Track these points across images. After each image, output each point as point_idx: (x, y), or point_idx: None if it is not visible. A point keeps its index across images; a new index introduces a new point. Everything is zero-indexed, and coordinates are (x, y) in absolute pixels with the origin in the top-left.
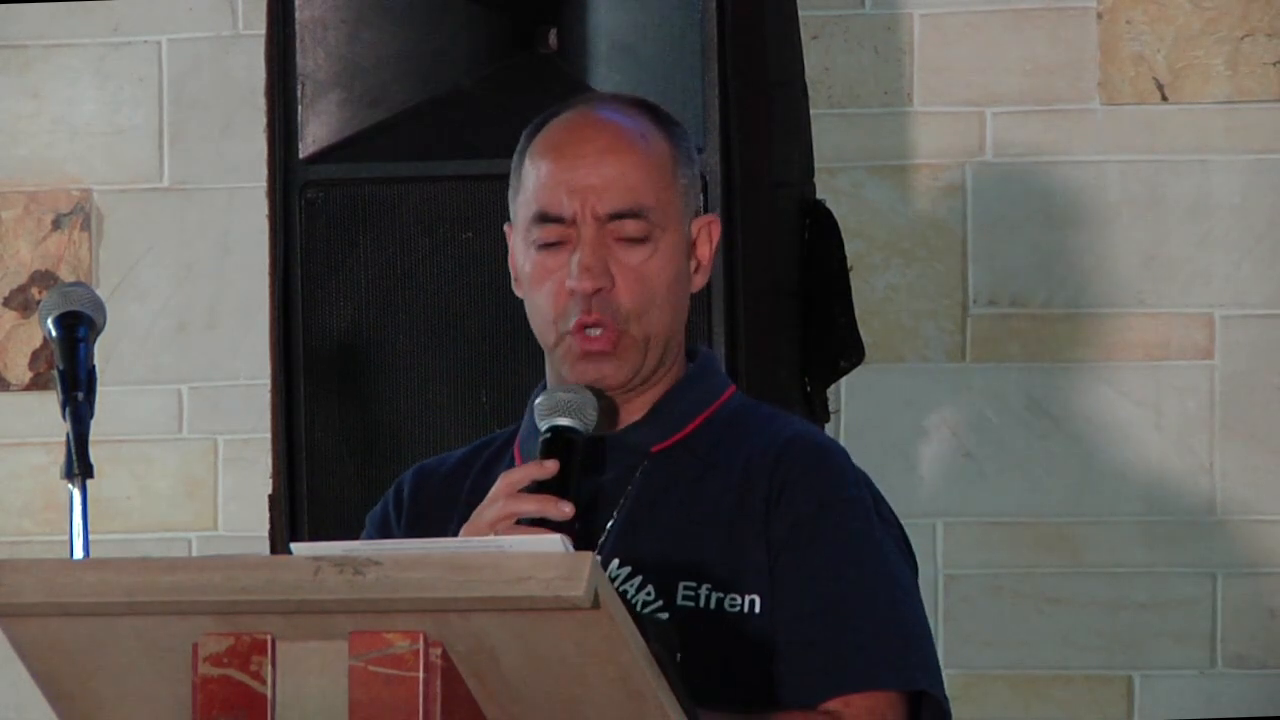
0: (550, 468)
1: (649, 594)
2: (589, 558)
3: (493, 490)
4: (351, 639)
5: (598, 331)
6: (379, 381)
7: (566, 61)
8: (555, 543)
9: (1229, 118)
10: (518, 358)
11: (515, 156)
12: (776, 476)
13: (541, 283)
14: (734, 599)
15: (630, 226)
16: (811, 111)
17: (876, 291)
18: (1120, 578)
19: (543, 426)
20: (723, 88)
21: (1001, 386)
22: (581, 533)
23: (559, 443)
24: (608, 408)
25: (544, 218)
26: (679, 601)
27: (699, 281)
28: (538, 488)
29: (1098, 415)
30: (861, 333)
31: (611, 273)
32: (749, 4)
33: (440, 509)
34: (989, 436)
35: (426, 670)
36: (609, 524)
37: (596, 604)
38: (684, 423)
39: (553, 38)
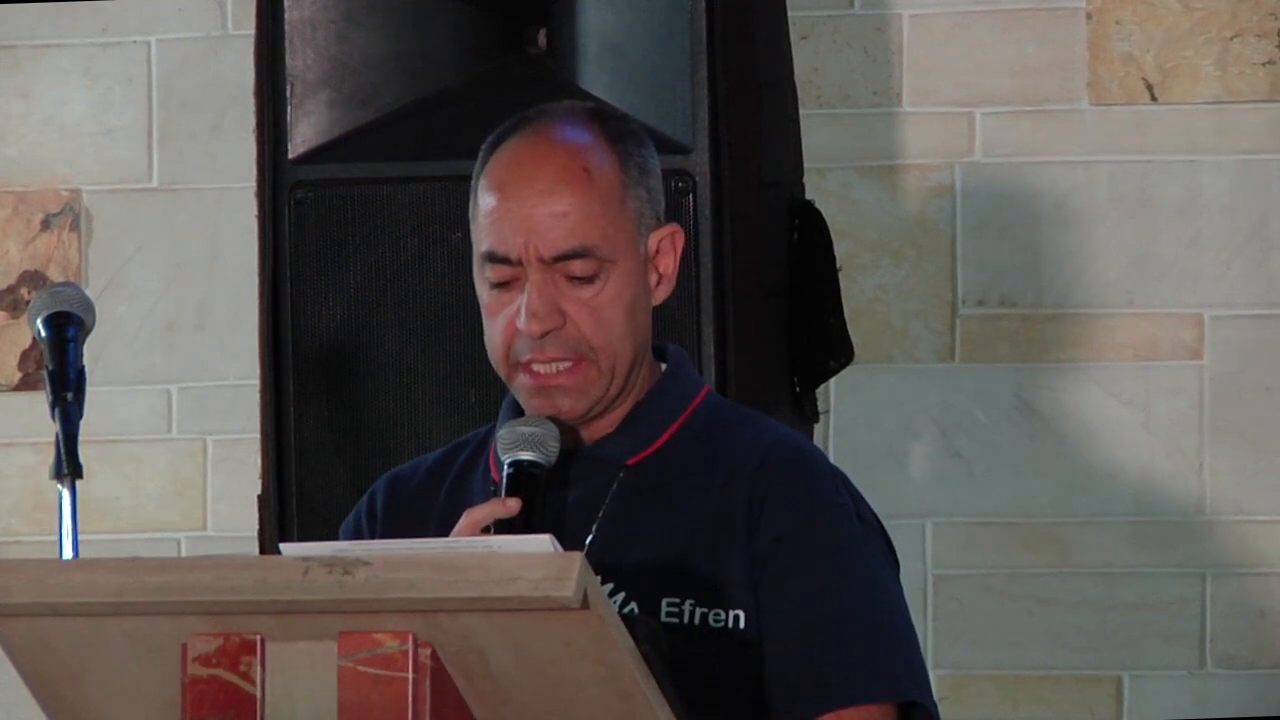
0: (512, 506)
1: (632, 611)
2: (578, 558)
3: (457, 526)
4: (340, 639)
5: (554, 366)
6: (368, 381)
7: (556, 62)
8: (544, 543)
9: (1218, 118)
10: None
11: (474, 172)
12: (757, 488)
13: (494, 317)
14: (718, 614)
15: (577, 266)
16: (801, 112)
17: (866, 292)
18: (1109, 578)
19: (505, 460)
20: (712, 88)
21: (990, 387)
22: None
23: (522, 479)
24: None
25: (492, 257)
26: (663, 618)
27: (661, 294)
28: (502, 526)
29: (1087, 415)
30: (851, 333)
31: (562, 310)
32: (738, 5)
33: (416, 515)
34: (978, 436)
35: (415, 670)
36: (587, 539)
37: (585, 604)
38: (658, 433)
39: (542, 38)
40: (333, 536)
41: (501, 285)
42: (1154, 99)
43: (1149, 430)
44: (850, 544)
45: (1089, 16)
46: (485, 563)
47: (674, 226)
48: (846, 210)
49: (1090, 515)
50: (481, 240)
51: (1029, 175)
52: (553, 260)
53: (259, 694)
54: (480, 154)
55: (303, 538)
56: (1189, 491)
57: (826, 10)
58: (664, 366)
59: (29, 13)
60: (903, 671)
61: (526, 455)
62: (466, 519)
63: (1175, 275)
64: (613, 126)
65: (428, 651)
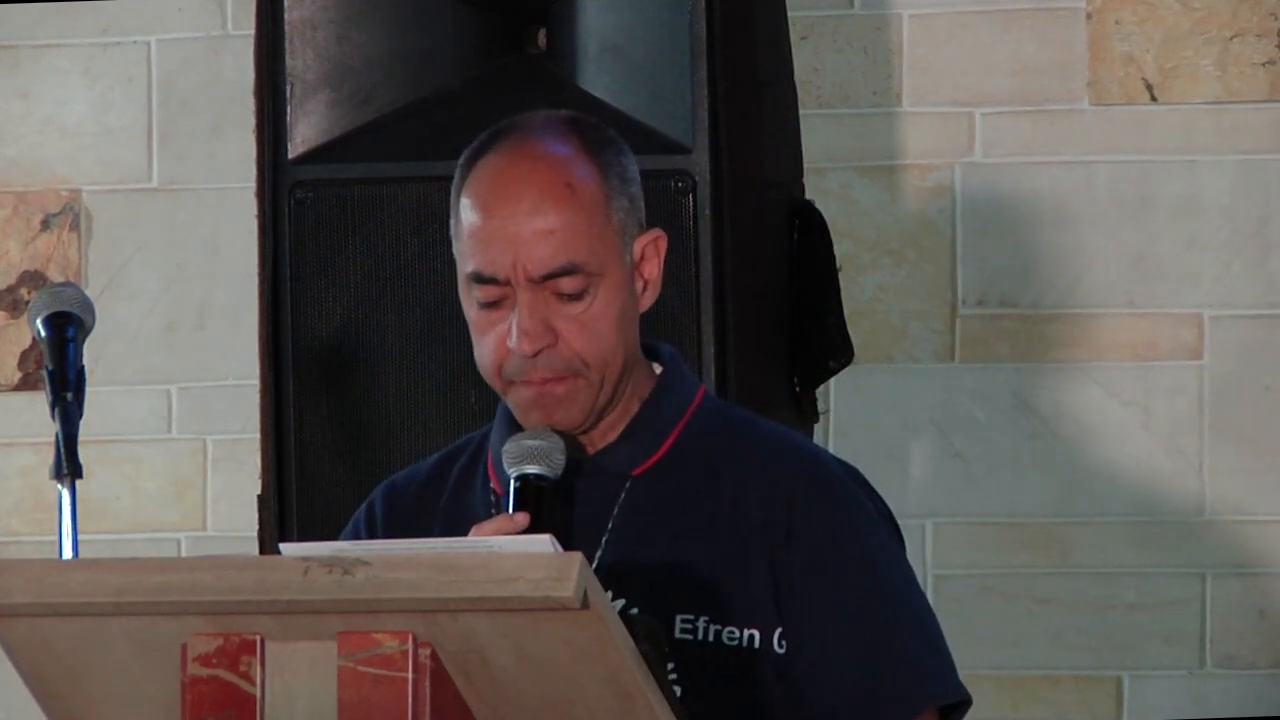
0: (520, 521)
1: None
2: (578, 558)
3: None
4: (340, 639)
5: (547, 384)
6: (368, 382)
7: (555, 62)
8: (544, 543)
9: (1218, 118)
10: None
11: (453, 186)
12: (777, 505)
13: (484, 335)
14: (732, 632)
15: (566, 283)
16: (800, 112)
17: (865, 292)
18: (1109, 578)
19: (511, 475)
20: (712, 88)
21: (990, 387)
22: None
23: (528, 493)
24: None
25: (479, 278)
26: (677, 635)
27: (648, 300)
28: None
29: (1087, 416)
30: (851, 333)
31: (554, 328)
32: (738, 4)
33: (418, 524)
34: (978, 437)
35: (415, 670)
36: (597, 554)
37: (586, 604)
38: (661, 440)
39: (542, 38)
40: (333, 536)
41: (490, 305)
42: (1154, 99)
43: (1149, 430)
44: (880, 552)
45: (1089, 16)
46: (485, 563)
47: (656, 232)
48: (846, 210)
49: (1090, 515)
50: (467, 260)
51: (1029, 175)
52: (542, 279)
53: (259, 694)
54: (459, 169)
55: (303, 538)
56: (1189, 491)
57: (826, 10)
58: (658, 367)
59: (29, 13)
60: (950, 672)
61: (532, 469)
62: (474, 534)
63: (1175, 275)
64: (591, 137)
65: (428, 651)
